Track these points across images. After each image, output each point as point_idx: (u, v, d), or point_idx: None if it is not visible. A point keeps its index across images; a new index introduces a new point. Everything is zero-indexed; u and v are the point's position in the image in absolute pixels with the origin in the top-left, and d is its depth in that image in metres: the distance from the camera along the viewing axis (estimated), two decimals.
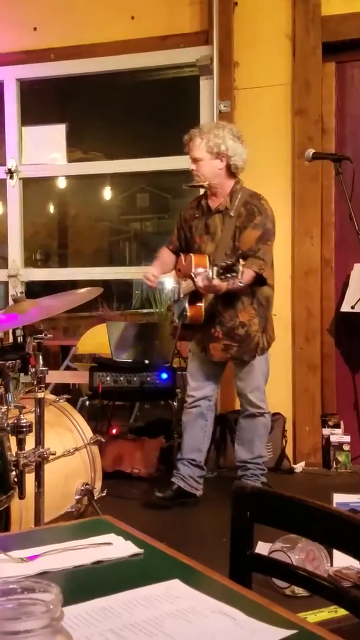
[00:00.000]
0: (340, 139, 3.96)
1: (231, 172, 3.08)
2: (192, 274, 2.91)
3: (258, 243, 2.98)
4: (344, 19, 3.80)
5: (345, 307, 3.82)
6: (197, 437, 3.20)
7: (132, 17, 4.12)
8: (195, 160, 3.08)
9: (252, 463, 3.14)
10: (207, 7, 3.95)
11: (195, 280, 2.86)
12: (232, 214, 3.04)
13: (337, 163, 3.04)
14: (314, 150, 3.09)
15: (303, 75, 3.85)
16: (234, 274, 2.66)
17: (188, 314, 3.03)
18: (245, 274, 2.85)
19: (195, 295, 3.02)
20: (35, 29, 4.30)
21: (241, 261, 2.67)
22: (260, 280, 3.00)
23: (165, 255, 3.31)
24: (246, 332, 3.05)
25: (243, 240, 2.99)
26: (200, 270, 2.86)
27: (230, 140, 3.04)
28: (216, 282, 2.75)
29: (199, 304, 3.03)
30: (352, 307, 3.78)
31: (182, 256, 3.16)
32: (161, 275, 3.26)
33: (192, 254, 3.04)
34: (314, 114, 3.85)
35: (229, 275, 2.68)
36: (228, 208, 3.06)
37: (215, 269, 2.72)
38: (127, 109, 5.80)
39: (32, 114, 4.53)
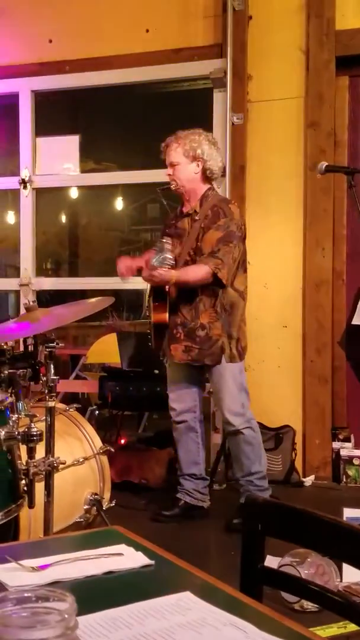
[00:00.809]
0: (353, 152, 3.96)
1: (206, 176, 3.09)
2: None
3: (219, 244, 2.95)
4: (358, 33, 3.81)
5: (357, 320, 3.81)
6: (191, 451, 3.16)
7: (147, 30, 4.16)
8: (171, 165, 3.09)
9: (243, 480, 3.08)
10: (222, 21, 3.98)
11: (142, 274, 2.84)
12: (197, 217, 3.05)
13: (349, 176, 3.05)
14: (326, 163, 3.10)
15: (316, 88, 3.86)
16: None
17: (152, 314, 3.00)
18: (200, 269, 2.85)
19: (157, 295, 2.99)
20: (50, 41, 4.34)
21: None
22: (217, 281, 2.95)
23: None
24: (207, 334, 3.00)
25: (205, 241, 2.98)
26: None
27: (206, 145, 3.06)
28: (162, 270, 2.72)
29: (162, 303, 2.99)
30: None
31: (145, 261, 3.14)
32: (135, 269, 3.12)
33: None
34: (327, 126, 3.86)
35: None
36: (197, 211, 3.07)
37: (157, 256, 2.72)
38: (140, 120, 5.84)
39: (46, 124, 4.56)
